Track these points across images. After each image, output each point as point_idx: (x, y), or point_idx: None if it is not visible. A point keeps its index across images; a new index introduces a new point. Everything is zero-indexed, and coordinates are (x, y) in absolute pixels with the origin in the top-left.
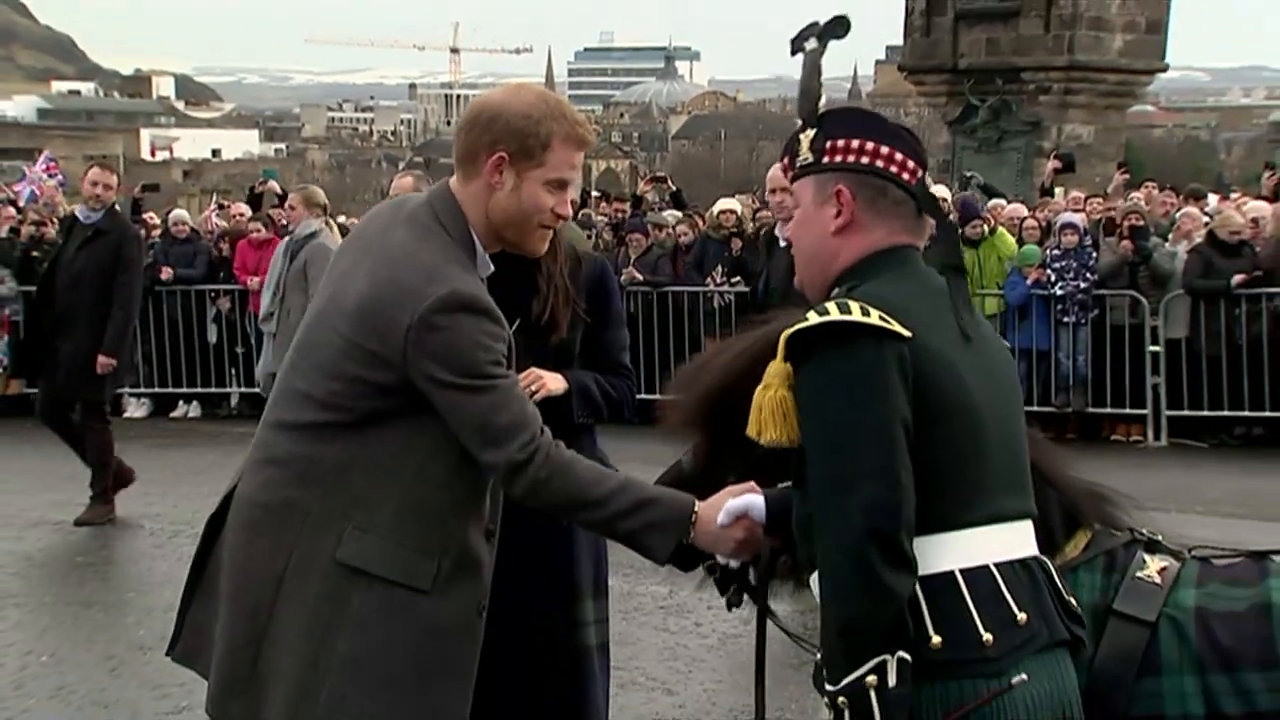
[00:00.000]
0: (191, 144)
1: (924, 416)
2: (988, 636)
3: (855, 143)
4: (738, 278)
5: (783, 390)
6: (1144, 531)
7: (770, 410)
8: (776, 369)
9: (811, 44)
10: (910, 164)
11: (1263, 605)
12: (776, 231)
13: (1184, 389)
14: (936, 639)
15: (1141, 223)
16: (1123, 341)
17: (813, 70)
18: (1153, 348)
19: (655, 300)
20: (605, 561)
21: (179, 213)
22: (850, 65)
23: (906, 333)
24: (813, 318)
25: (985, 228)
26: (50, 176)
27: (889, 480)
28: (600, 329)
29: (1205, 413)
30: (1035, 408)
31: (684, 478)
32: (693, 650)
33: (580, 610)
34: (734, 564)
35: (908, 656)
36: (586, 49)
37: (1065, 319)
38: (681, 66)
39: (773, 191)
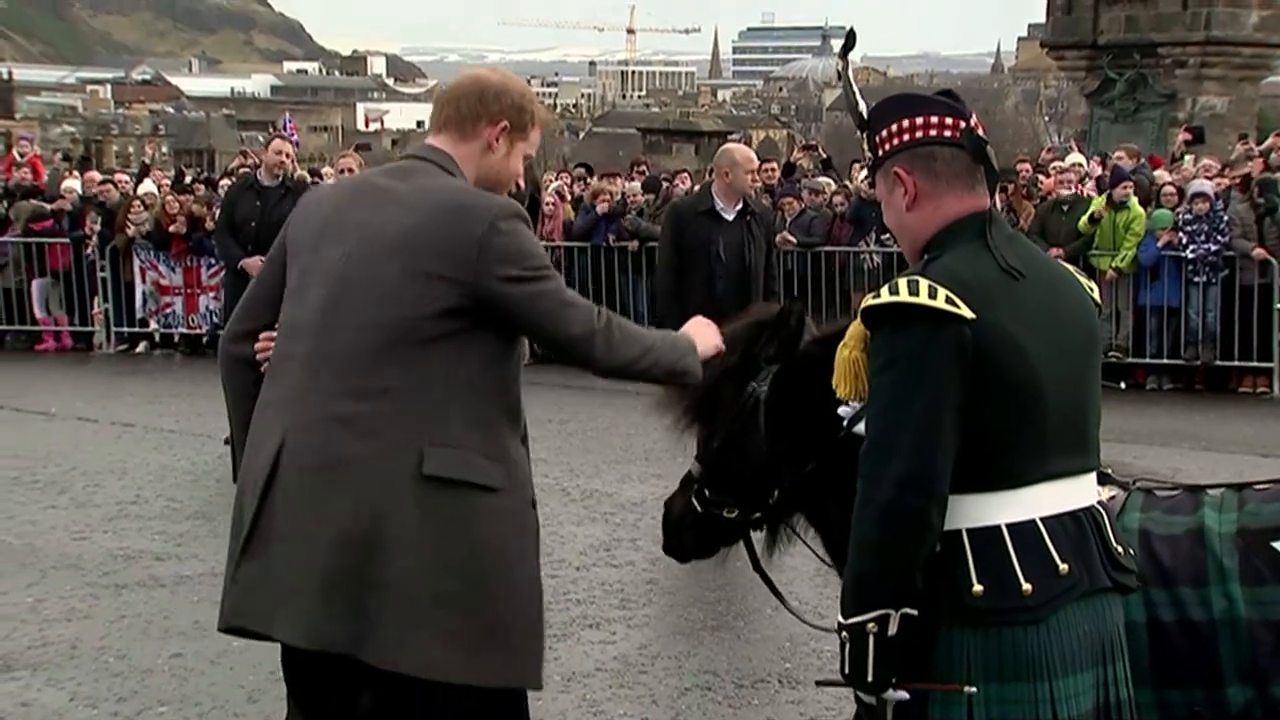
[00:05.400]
0: (400, 116)
1: (984, 390)
2: (1027, 586)
3: (894, 126)
4: (887, 235)
5: (858, 352)
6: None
7: (844, 368)
8: (855, 330)
9: (839, 64)
10: (948, 120)
11: (1197, 531)
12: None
13: None
14: (979, 587)
15: (1270, 177)
16: (1251, 299)
17: (847, 85)
18: None
19: (809, 260)
20: None
21: None
22: (994, 42)
23: (969, 314)
24: (884, 294)
25: (1129, 193)
26: (291, 136)
27: (923, 459)
28: None
29: None
30: (1165, 360)
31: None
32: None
33: None
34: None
35: (913, 612)
36: (750, 29)
37: (1196, 279)
38: (836, 44)
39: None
